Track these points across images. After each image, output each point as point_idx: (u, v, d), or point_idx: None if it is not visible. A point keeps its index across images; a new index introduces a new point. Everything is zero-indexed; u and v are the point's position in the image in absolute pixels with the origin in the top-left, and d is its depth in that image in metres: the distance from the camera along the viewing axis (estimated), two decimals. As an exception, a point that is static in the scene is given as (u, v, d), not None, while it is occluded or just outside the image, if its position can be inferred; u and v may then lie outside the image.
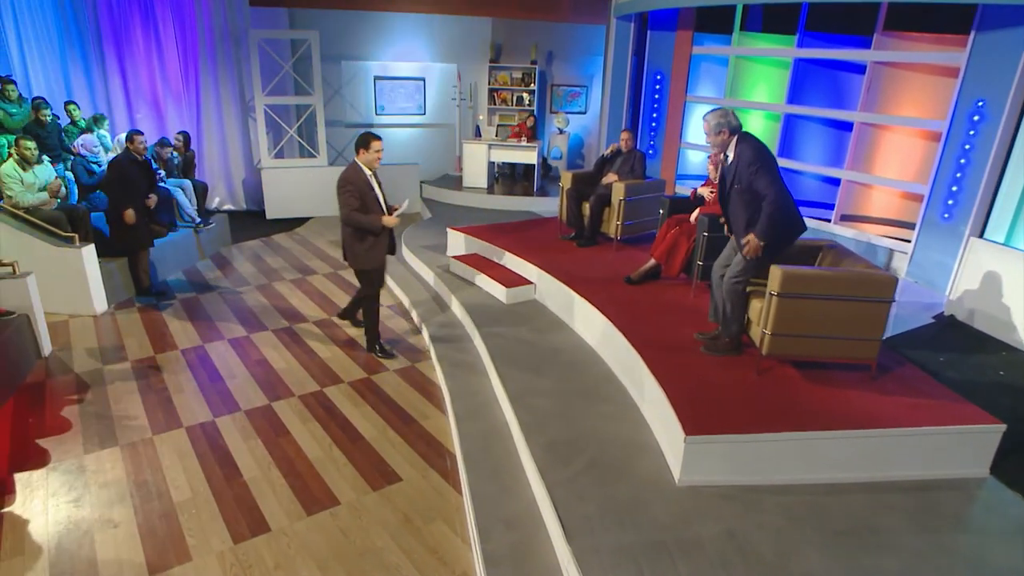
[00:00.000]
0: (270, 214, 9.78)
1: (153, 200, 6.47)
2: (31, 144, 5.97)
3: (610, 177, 6.58)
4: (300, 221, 9.85)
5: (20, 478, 3.82)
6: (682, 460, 3.52)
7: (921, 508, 3.44)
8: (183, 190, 7.80)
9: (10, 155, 6.03)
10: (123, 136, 7.14)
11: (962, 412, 3.77)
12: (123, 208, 6.11)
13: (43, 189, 6.10)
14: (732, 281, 4.25)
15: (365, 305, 5.37)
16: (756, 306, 4.21)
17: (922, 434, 3.62)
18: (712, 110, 4.11)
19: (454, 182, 10.87)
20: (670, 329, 4.80)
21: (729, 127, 4.01)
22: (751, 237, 4.03)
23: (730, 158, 4.09)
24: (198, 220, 7.91)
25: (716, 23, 8.83)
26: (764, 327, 3.99)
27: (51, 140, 7.18)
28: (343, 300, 6.67)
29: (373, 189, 4.98)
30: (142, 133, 6.35)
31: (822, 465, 3.62)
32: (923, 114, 7.01)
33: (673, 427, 3.63)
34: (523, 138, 10.05)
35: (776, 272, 3.86)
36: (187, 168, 8.40)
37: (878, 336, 3.95)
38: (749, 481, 3.58)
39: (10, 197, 5.87)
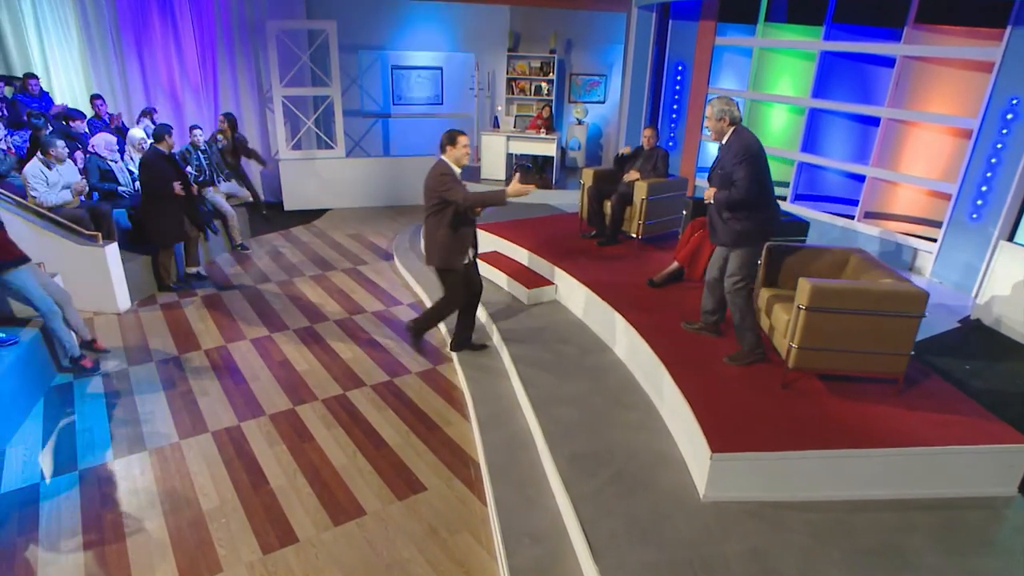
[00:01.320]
0: (288, 206, 9.80)
1: (179, 188, 6.49)
2: (60, 143, 5.99)
3: (632, 175, 6.51)
4: (318, 213, 9.86)
5: (53, 484, 3.89)
6: (707, 476, 3.52)
7: (947, 527, 3.43)
8: (226, 219, 7.85)
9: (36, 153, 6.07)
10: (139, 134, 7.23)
11: (990, 430, 3.73)
12: (165, 193, 6.26)
13: (67, 188, 6.14)
14: (732, 283, 4.33)
15: (443, 305, 5.09)
16: (782, 317, 4.18)
17: (949, 453, 3.59)
18: (718, 96, 4.26)
19: (472, 174, 10.80)
20: (693, 335, 4.78)
21: (731, 116, 4.15)
22: (712, 190, 4.28)
23: (722, 146, 4.27)
24: (238, 243, 8.05)
25: (740, 13, 8.67)
26: (791, 340, 3.95)
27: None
28: (363, 297, 6.70)
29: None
30: (172, 129, 6.48)
31: (848, 482, 3.61)
32: (953, 111, 6.86)
33: (698, 442, 3.63)
34: (542, 129, 9.95)
35: (805, 286, 3.82)
36: (237, 155, 8.34)
37: (907, 351, 3.90)
38: (774, 497, 3.57)
39: (34, 197, 5.91)
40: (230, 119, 8.44)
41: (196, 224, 6.84)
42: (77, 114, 7.47)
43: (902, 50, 7.06)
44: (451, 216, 4.66)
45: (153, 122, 8.29)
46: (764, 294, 4.58)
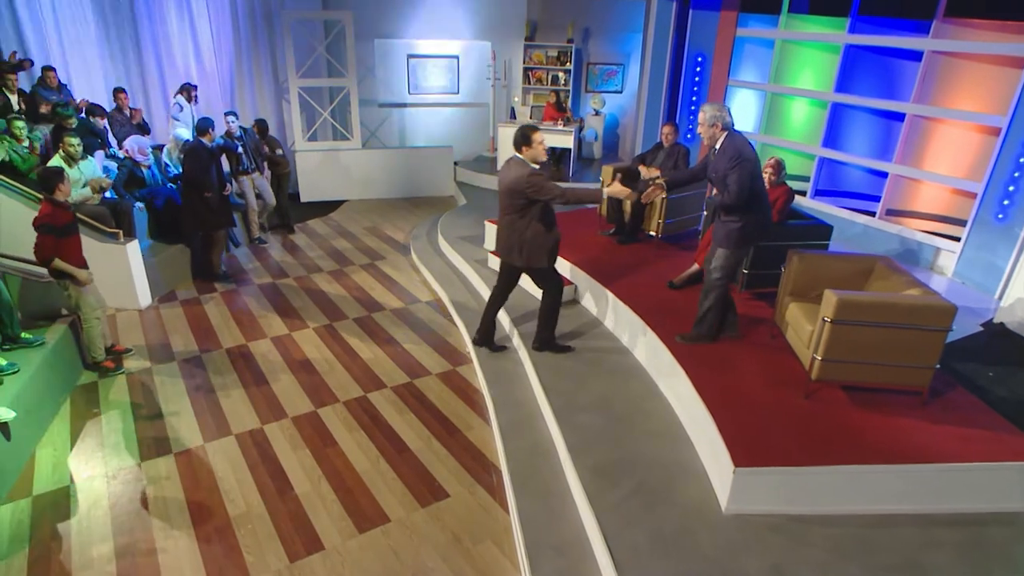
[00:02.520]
0: (304, 197, 9.81)
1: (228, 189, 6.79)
2: (75, 141, 6.02)
3: (652, 172, 6.43)
4: (334, 205, 9.87)
5: (82, 487, 3.97)
6: (729, 489, 3.53)
7: (971, 544, 3.42)
8: (247, 211, 7.92)
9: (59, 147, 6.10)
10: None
11: (1015, 445, 3.71)
12: (206, 189, 6.49)
13: (87, 185, 6.17)
14: (713, 278, 4.51)
15: (551, 303, 5.02)
16: (805, 327, 4.15)
17: (974, 469, 3.58)
18: (709, 103, 4.41)
19: (488, 165, 10.77)
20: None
21: (722, 122, 4.25)
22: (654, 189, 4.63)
23: (716, 151, 4.35)
24: (256, 236, 8.14)
25: (762, 3, 8.51)
26: (815, 352, 3.93)
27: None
28: (381, 294, 6.72)
29: None
30: (213, 123, 6.59)
31: (870, 496, 3.60)
32: (981, 107, 6.73)
33: (721, 454, 3.63)
34: (560, 121, 9.86)
35: (831, 298, 3.79)
36: (269, 161, 8.30)
37: (932, 364, 3.87)
38: (796, 511, 3.57)
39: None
40: (260, 124, 8.35)
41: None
42: (99, 109, 7.48)
43: (930, 44, 6.92)
44: (540, 214, 4.63)
45: (189, 99, 8.31)
46: (787, 302, 4.55)
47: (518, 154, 4.60)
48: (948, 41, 6.83)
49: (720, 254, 4.47)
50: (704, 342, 4.67)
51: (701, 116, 4.31)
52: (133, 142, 6.85)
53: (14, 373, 4.32)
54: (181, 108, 8.30)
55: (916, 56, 7.19)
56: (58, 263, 4.70)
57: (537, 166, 4.58)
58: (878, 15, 7.51)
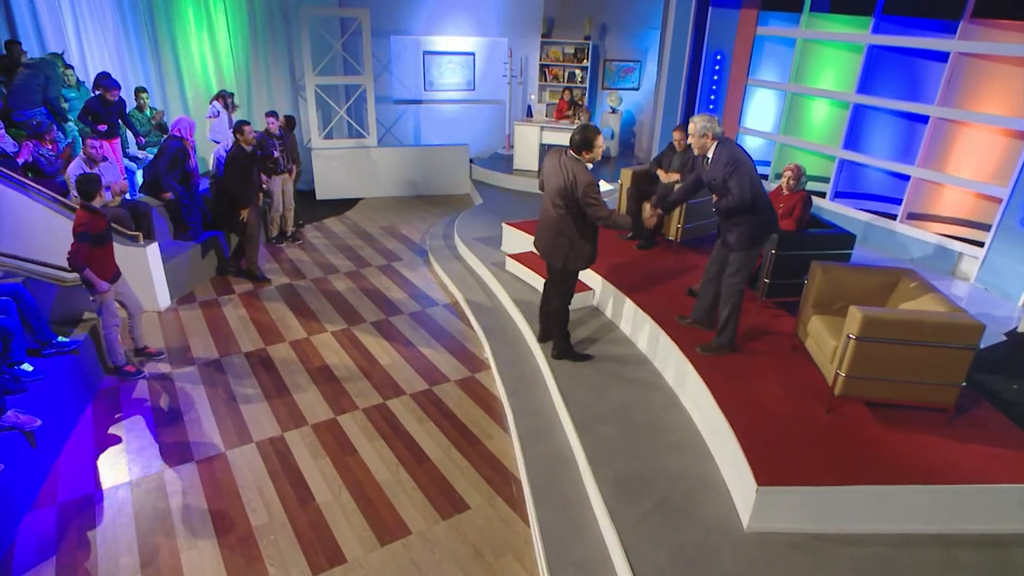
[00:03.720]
0: (320, 195, 9.82)
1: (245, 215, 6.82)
2: (96, 143, 6.04)
3: (671, 176, 6.40)
4: (349, 203, 9.88)
5: (107, 495, 4.01)
6: (752, 507, 3.51)
7: (995, 566, 3.39)
8: (268, 210, 7.96)
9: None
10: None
11: (1044, 465, 3.67)
12: (241, 206, 6.63)
13: (107, 187, 6.19)
14: (731, 283, 4.54)
15: (561, 310, 5.02)
16: (829, 342, 4.11)
17: (1000, 491, 3.54)
18: (700, 113, 4.49)
19: (504, 163, 10.72)
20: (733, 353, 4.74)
21: (713, 132, 4.35)
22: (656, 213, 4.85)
23: (708, 160, 4.45)
24: (273, 235, 8.17)
25: (783, 1, 8.39)
26: (839, 368, 3.90)
27: (111, 119, 7.06)
28: (398, 297, 6.73)
29: None
30: (249, 123, 6.52)
31: (894, 515, 3.57)
32: (1008, 111, 6.61)
33: (743, 471, 3.61)
34: (576, 118, 9.80)
35: (856, 315, 3.75)
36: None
37: (958, 382, 3.83)
38: (818, 529, 3.55)
39: (76, 196, 5.97)
40: (289, 120, 8.29)
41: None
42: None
43: (957, 46, 6.80)
44: (587, 219, 4.57)
45: (226, 106, 8.27)
46: (810, 314, 4.51)
47: (575, 155, 4.48)
48: (975, 42, 6.70)
49: (734, 259, 4.53)
50: (726, 352, 4.66)
51: (691, 127, 4.41)
52: (184, 123, 6.85)
53: (38, 380, 4.36)
54: (218, 113, 8.24)
55: (941, 57, 7.07)
56: (88, 274, 4.77)
57: (590, 166, 4.52)
58: (903, 15, 7.38)
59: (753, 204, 4.33)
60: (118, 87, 7.06)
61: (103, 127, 6.86)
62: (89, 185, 4.75)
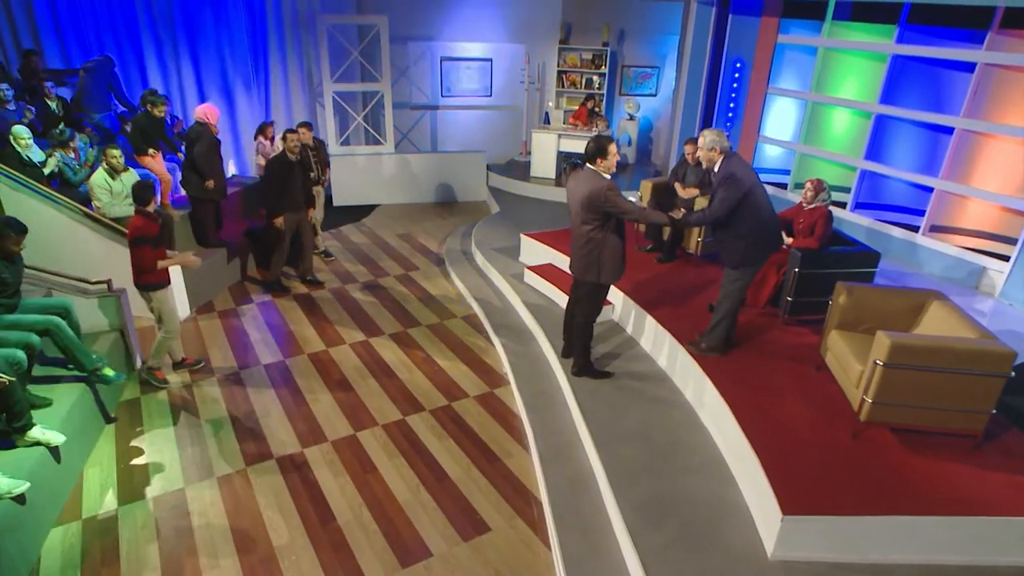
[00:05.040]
0: (337, 201, 9.84)
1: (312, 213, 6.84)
2: (117, 152, 6.08)
3: (691, 191, 6.34)
4: (366, 209, 9.89)
5: (130, 511, 4.03)
6: (777, 536, 3.47)
7: (1027, 600, 3.34)
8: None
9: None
10: None
11: (1076, 496, 3.60)
12: (274, 213, 6.56)
13: (128, 197, 6.23)
14: (723, 288, 4.71)
15: (585, 326, 5.00)
16: (855, 367, 4.06)
17: (1031, 522, 3.48)
18: (710, 128, 4.54)
19: (521, 170, 10.68)
20: (753, 369, 4.70)
21: (720, 147, 4.41)
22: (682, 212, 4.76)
23: (714, 172, 4.51)
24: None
25: (805, 9, 8.30)
26: (864, 393, 3.85)
27: (159, 137, 6.99)
28: (417, 308, 6.73)
29: None
30: (296, 131, 6.46)
31: (921, 546, 3.52)
32: (1035, 124, 6.50)
33: (767, 498, 3.57)
34: (595, 127, 9.75)
35: (884, 341, 3.69)
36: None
37: (988, 410, 3.77)
38: (843, 559, 3.51)
39: (98, 207, 6.02)
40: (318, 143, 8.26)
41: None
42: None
43: (984, 57, 6.69)
44: (616, 226, 4.58)
45: (269, 138, 8.09)
46: (834, 334, 4.46)
47: (590, 165, 4.50)
48: (1003, 53, 6.59)
49: (729, 273, 4.66)
50: (716, 354, 4.81)
51: (701, 140, 4.47)
52: (206, 108, 6.81)
53: (46, 406, 4.32)
54: (265, 148, 8.13)
55: (967, 67, 6.96)
56: (161, 263, 4.97)
57: (609, 176, 4.50)
58: (928, 24, 7.27)
59: (748, 223, 4.41)
60: (166, 102, 7.00)
61: (152, 149, 6.80)
62: (145, 192, 4.85)
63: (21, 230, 4.33)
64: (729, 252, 4.60)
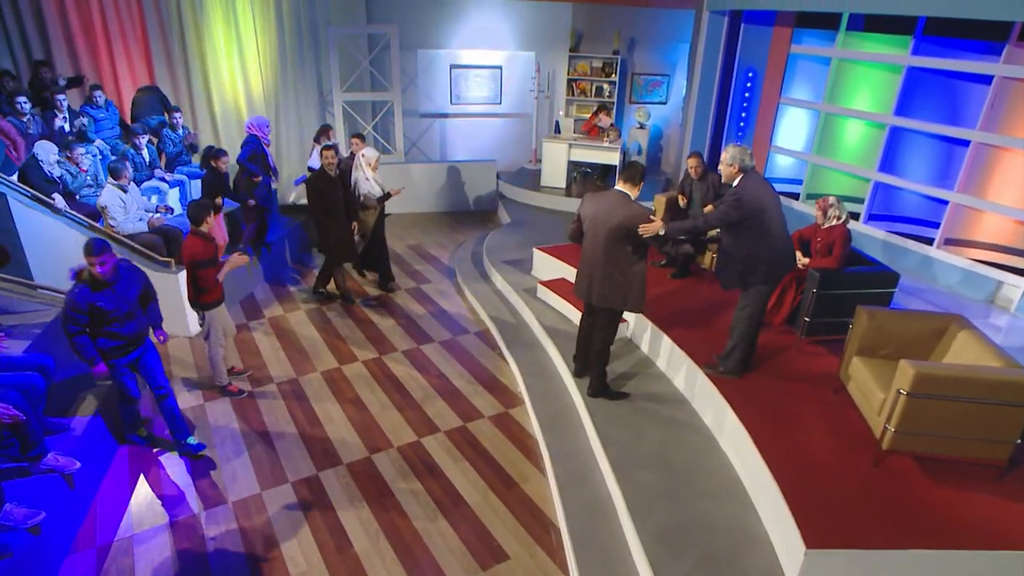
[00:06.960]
0: (347, 210, 9.80)
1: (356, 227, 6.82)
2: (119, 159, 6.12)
3: (707, 210, 6.28)
4: (376, 218, 9.86)
5: (145, 538, 4.01)
6: (800, 569, 3.43)
7: (1055, 636, 3.29)
8: None
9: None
10: None
11: (1104, 529, 3.54)
12: (323, 229, 6.63)
13: (145, 212, 6.23)
14: (737, 313, 4.64)
15: (604, 351, 4.94)
16: (877, 394, 4.01)
17: (1060, 556, 3.43)
18: (734, 144, 4.55)
19: (531, 179, 10.63)
20: (771, 392, 4.65)
21: (740, 163, 4.36)
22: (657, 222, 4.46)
23: (732, 187, 4.49)
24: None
25: (818, 19, 8.23)
26: (887, 422, 3.80)
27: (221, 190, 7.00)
28: (429, 324, 6.69)
29: None
30: (332, 147, 6.43)
31: (946, 578, 3.48)
32: (1054, 139, 6.43)
33: (789, 529, 3.53)
34: (606, 137, 9.71)
35: (908, 370, 3.64)
36: None
37: (1013, 439, 3.71)
38: (867, 591, 3.47)
39: (112, 226, 6.01)
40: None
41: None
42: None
43: (1002, 70, 6.61)
44: (644, 252, 4.54)
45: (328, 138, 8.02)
46: (854, 359, 4.41)
47: (622, 188, 4.47)
48: (1022, 67, 6.52)
49: (740, 299, 4.61)
50: (733, 377, 4.75)
51: (724, 155, 4.44)
52: (257, 120, 6.92)
53: (62, 431, 4.30)
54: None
55: (983, 80, 6.89)
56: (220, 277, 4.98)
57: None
58: (945, 36, 7.19)
59: (732, 243, 4.40)
60: (226, 156, 7.12)
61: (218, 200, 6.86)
62: (200, 211, 4.83)
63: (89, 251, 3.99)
64: (726, 273, 4.58)
